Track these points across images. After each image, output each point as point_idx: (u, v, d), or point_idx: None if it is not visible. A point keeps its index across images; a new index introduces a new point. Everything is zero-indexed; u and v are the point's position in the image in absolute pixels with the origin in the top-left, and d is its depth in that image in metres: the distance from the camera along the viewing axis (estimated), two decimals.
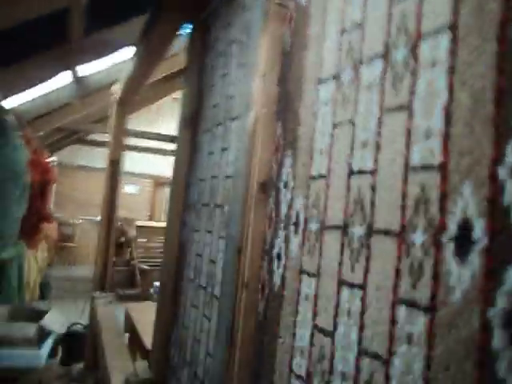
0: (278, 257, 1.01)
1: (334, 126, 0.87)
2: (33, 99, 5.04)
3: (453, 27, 0.62)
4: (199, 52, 1.85)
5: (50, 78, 4.28)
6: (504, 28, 0.55)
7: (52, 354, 3.05)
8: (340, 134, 0.85)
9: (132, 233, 7.71)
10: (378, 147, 0.74)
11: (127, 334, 3.31)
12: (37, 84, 4.31)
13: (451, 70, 0.61)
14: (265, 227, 1.10)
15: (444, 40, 0.63)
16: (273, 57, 1.13)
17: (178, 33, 2.19)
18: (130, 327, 3.32)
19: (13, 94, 4.27)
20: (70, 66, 4.35)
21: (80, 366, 3.23)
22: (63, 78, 4.72)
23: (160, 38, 2.23)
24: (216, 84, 1.61)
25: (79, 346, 3.26)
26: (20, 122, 3.80)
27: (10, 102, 4.32)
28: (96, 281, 3.43)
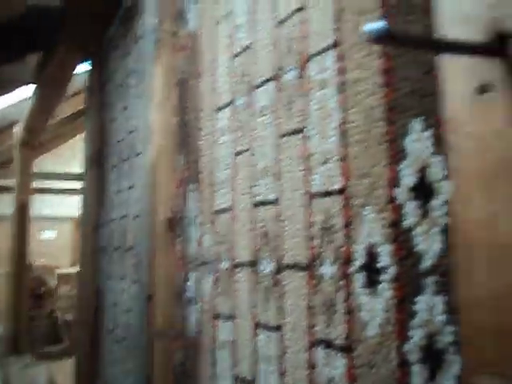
0: (192, 301, 0.93)
1: (235, 154, 0.81)
2: None
3: (337, 44, 0.59)
4: (98, 86, 1.74)
5: None
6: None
7: None
8: (241, 163, 0.79)
9: (53, 282, 7.11)
10: (278, 175, 0.69)
11: None
12: None
13: (342, 89, 0.58)
14: (176, 269, 1.01)
15: (330, 58, 0.60)
16: (167, 86, 1.06)
17: (77, 69, 2.07)
18: None
19: None
20: None
21: None
22: None
23: (57, 75, 2.09)
24: (117, 118, 1.51)
25: None
26: None
27: None
28: (7, 341, 3.06)
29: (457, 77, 0.40)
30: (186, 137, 1.00)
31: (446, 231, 0.45)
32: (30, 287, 3.49)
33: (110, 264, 1.52)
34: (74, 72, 2.05)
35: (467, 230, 0.38)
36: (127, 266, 1.33)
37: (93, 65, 1.82)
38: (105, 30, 1.66)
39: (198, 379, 0.87)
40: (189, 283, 0.94)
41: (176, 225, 1.01)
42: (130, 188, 1.37)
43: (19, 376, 2.66)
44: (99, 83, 1.72)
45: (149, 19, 1.11)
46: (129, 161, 1.40)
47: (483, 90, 0.37)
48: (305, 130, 0.64)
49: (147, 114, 1.09)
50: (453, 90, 0.41)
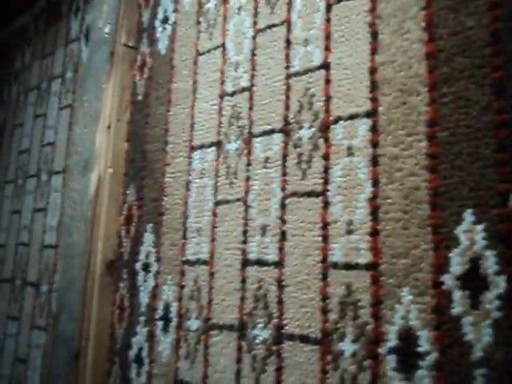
0: (138, 360, 0.80)
1: (217, 203, 0.74)
2: None
3: (373, 114, 0.58)
4: None
5: None
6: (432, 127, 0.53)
7: None
8: (226, 213, 0.72)
9: None
10: (282, 236, 0.64)
11: None
12: None
13: (375, 162, 0.57)
14: (113, 320, 0.86)
15: (363, 126, 0.59)
16: (121, 106, 0.93)
17: None
18: None
19: None
20: None
21: None
22: None
23: None
24: (25, 124, 1.27)
25: None
26: None
27: None
28: None
29: None
30: (141, 168, 0.88)
31: (498, 325, 0.46)
32: None
33: None
34: None
35: None
36: (26, 306, 1.10)
37: None
38: (13, 16, 1.40)
39: None
40: (134, 339, 0.81)
41: (118, 268, 0.87)
42: (38, 211, 1.15)
43: None
44: None
45: (99, 26, 0.97)
46: (38, 178, 1.18)
47: None
48: (324, 193, 0.61)
49: (88, 134, 0.94)
50: None
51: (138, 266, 0.84)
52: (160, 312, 0.78)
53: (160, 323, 0.78)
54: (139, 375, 0.79)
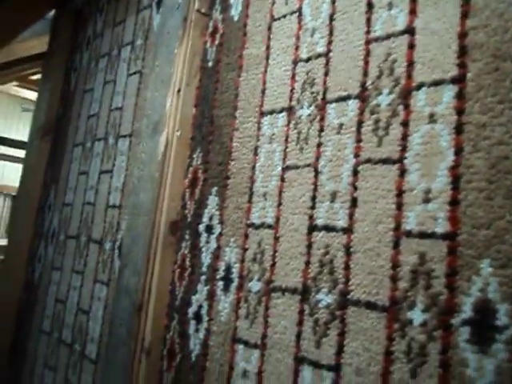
0: (197, 317, 0.83)
1: (286, 168, 0.74)
2: None
3: (460, 81, 0.56)
4: (67, 46, 1.52)
5: None
6: None
7: None
8: (296, 178, 0.72)
9: None
10: (353, 202, 0.64)
11: None
12: None
13: (459, 130, 0.55)
14: (174, 278, 0.89)
15: (448, 93, 0.57)
16: (191, 71, 0.95)
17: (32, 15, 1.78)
18: None
19: None
20: None
21: None
22: None
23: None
24: (95, 90, 1.32)
25: None
26: None
27: None
28: None
29: None
30: (208, 133, 0.90)
31: None
32: None
33: (58, 254, 1.32)
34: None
35: None
36: (90, 261, 1.16)
37: (58, 18, 1.58)
38: None
39: None
40: (195, 297, 0.84)
41: (181, 229, 0.90)
42: (104, 173, 1.20)
43: None
44: (69, 43, 1.50)
45: None
46: (105, 141, 1.23)
47: None
48: (402, 161, 0.60)
49: (158, 98, 0.96)
50: None
51: (201, 227, 0.86)
52: (221, 273, 0.80)
53: (221, 283, 0.80)
54: (197, 331, 0.82)
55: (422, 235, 0.56)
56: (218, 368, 0.76)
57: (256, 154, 0.80)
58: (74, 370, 1.11)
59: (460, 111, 0.55)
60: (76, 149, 1.36)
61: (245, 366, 0.72)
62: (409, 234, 0.57)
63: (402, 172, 0.59)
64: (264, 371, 0.69)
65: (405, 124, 0.60)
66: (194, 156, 0.92)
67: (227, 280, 0.79)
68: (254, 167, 0.79)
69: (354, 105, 0.67)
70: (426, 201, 0.56)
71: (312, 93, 0.73)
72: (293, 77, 0.77)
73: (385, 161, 0.61)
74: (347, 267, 0.63)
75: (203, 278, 0.83)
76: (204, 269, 0.84)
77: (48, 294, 1.31)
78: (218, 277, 0.81)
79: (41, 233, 1.44)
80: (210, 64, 0.94)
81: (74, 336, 1.14)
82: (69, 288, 1.21)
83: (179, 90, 0.93)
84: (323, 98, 0.71)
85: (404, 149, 0.60)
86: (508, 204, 0.50)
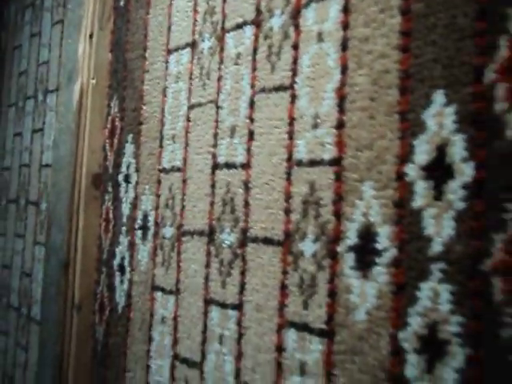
0: (121, 269, 0.81)
1: (191, 106, 0.70)
2: None
3: None
4: None
5: None
6: None
7: None
8: (199, 117, 0.68)
9: None
10: (250, 135, 0.60)
11: None
12: None
13: (344, 46, 0.51)
14: (100, 231, 0.87)
15: (334, 7, 0.52)
16: (103, 13, 0.89)
17: None
18: None
19: None
20: None
21: None
22: None
23: None
24: (23, 45, 1.25)
25: None
26: None
27: None
28: None
29: None
30: (122, 78, 0.85)
31: (461, 216, 0.41)
32: None
33: (0, 219, 1.29)
34: None
35: None
36: (29, 223, 1.14)
37: None
38: None
39: (126, 358, 0.77)
40: (118, 249, 0.82)
41: (104, 181, 0.87)
42: (36, 132, 1.16)
43: None
44: None
45: None
46: (35, 99, 1.18)
47: None
48: (292, 86, 0.56)
49: (71, 45, 0.90)
50: None
51: (120, 177, 0.83)
52: (139, 222, 0.78)
53: (139, 232, 0.77)
54: (122, 283, 0.80)
55: (312, 163, 0.53)
56: (141, 317, 0.75)
57: (165, 95, 0.75)
58: (22, 333, 1.10)
59: (345, 26, 0.51)
60: (10, 110, 1.30)
61: (162, 312, 0.71)
62: (299, 163, 0.54)
63: (293, 98, 0.56)
64: (179, 316, 0.68)
65: (295, 46, 0.56)
66: (112, 104, 0.87)
67: (145, 229, 0.76)
68: (163, 109, 0.75)
69: (249, 31, 0.62)
70: (315, 126, 0.53)
71: (212, 23, 0.68)
72: (195, 8, 0.71)
73: (277, 88, 0.58)
74: (247, 204, 0.60)
75: (124, 228, 0.81)
76: (124, 219, 0.81)
77: None
78: (136, 226, 0.78)
79: None
80: (122, 3, 0.87)
81: (21, 299, 1.13)
82: (13, 253, 1.19)
83: (91, 35, 0.88)
84: (222, 28, 0.66)
85: (295, 73, 0.56)
86: (389, 121, 0.47)
